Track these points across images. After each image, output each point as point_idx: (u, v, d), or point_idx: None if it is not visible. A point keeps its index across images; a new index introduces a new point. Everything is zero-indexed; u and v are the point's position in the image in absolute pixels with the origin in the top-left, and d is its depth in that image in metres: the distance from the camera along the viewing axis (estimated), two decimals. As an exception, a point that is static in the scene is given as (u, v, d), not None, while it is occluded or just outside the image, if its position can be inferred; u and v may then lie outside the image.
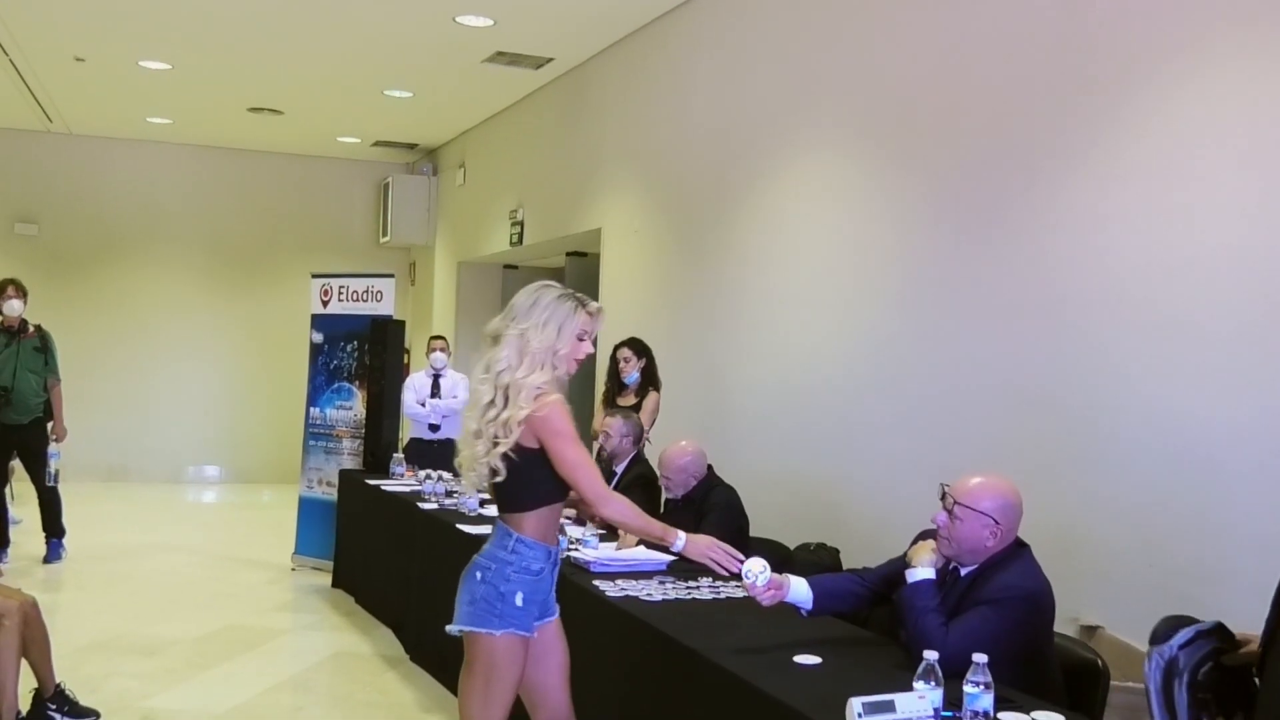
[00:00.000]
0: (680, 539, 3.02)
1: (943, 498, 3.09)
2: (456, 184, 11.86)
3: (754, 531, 5.03)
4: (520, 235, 9.99)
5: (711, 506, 4.76)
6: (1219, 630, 2.52)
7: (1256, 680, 2.43)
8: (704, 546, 3.02)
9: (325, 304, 8.56)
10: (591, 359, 3.34)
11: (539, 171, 9.74)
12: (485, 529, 5.24)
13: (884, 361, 5.39)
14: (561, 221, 9.18)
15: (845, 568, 4.66)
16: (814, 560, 4.49)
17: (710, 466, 5.04)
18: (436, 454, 7.86)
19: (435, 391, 8.45)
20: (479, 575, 3.02)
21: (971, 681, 2.36)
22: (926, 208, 5.16)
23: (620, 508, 3.04)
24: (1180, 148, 3.96)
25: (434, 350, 8.54)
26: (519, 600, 2.98)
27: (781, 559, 4.79)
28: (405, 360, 9.86)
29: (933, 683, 2.40)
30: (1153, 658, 2.28)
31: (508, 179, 10.49)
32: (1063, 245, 4.40)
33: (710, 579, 4.12)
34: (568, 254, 10.10)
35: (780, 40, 6.31)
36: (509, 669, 2.98)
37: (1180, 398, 3.90)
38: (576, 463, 2.99)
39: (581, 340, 3.07)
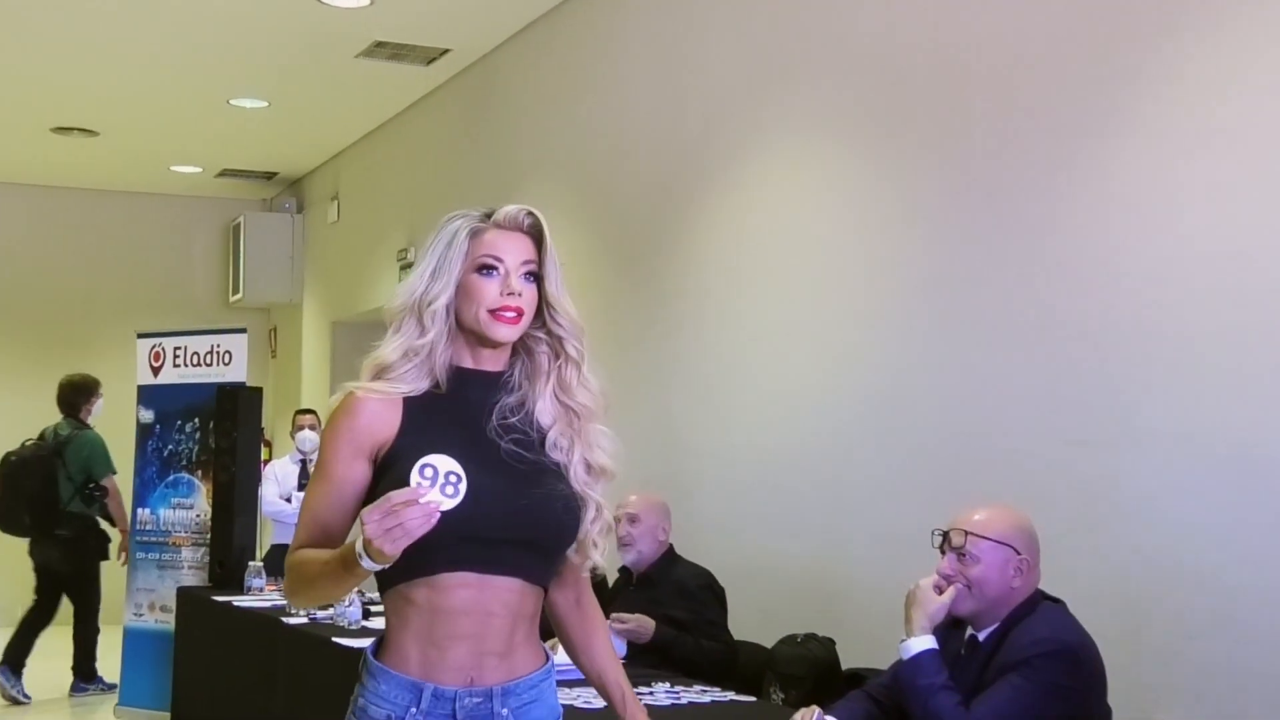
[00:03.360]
0: (358, 547, 2.23)
1: (944, 540, 3.14)
2: (328, 221, 11.91)
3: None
4: (413, 281, 10.02)
5: (691, 595, 4.81)
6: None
7: None
8: (374, 520, 2.18)
9: (156, 371, 8.53)
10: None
11: (434, 198, 9.80)
12: (371, 643, 5.21)
13: (883, 408, 5.44)
14: (466, 259, 9.23)
15: (844, 665, 4.69)
16: (802, 654, 4.51)
17: (671, 546, 5.16)
18: (307, 564, 7.81)
19: (304, 482, 8.42)
20: None
21: None
22: (932, 205, 5.26)
23: (286, 579, 2.48)
24: (1267, 101, 4.06)
25: (301, 428, 8.55)
26: None
27: (761, 663, 4.81)
28: (265, 456, 9.83)
29: None
30: None
31: (394, 211, 10.55)
32: (1114, 237, 4.49)
33: (668, 685, 4.13)
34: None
35: (736, 3, 6.45)
36: None
37: (1273, 425, 3.96)
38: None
39: (484, 272, 2.45)
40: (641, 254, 7.12)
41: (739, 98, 6.41)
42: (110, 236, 13.22)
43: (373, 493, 2.41)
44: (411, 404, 2.46)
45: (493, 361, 2.53)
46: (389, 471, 2.41)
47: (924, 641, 3.20)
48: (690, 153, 6.75)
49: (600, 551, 2.54)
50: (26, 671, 8.94)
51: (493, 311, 2.44)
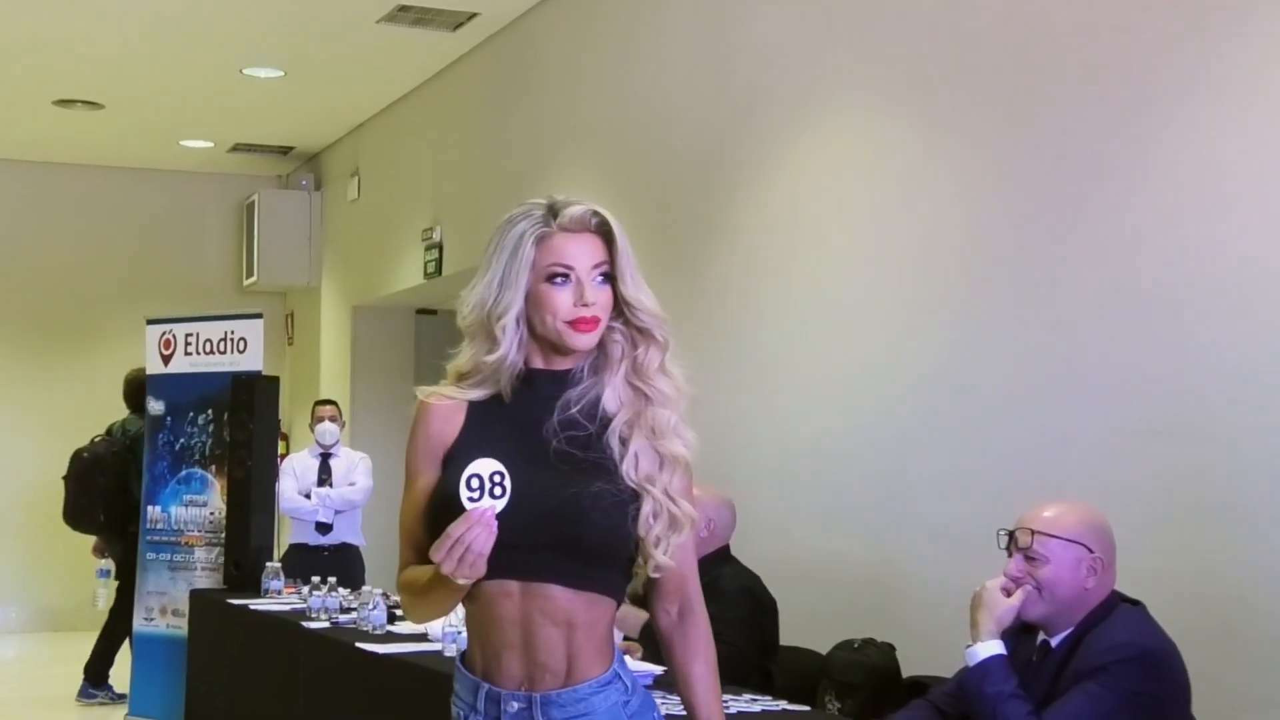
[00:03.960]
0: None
1: (1011, 540, 3.14)
2: (348, 199, 11.95)
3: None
4: (439, 263, 10.06)
5: (721, 596, 4.81)
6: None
7: None
8: (443, 558, 2.36)
9: (167, 360, 8.58)
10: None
11: (462, 173, 9.84)
12: (397, 648, 5.23)
13: (946, 396, 5.43)
14: (495, 238, 9.24)
15: (905, 672, 4.69)
16: (860, 661, 4.51)
17: (728, 546, 5.19)
18: (328, 565, 7.85)
19: (325, 477, 8.46)
20: None
21: None
22: (1001, 176, 5.24)
23: (401, 599, 2.67)
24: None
25: (321, 420, 8.58)
26: None
27: (816, 670, 4.82)
28: (283, 450, 9.86)
29: None
30: None
31: (419, 187, 10.58)
32: (1202, 209, 4.46)
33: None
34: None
35: (788, -36, 6.44)
36: None
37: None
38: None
39: (555, 281, 2.53)
40: (684, 232, 7.12)
41: (789, 63, 6.39)
42: (116, 216, 13.27)
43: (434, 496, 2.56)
44: (475, 407, 2.60)
45: (566, 361, 2.61)
46: (445, 472, 2.56)
47: (991, 647, 3.20)
48: (736, 123, 6.74)
49: (664, 550, 2.54)
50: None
51: (569, 323, 2.53)
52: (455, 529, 2.33)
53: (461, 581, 2.38)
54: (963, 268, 5.40)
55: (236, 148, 12.59)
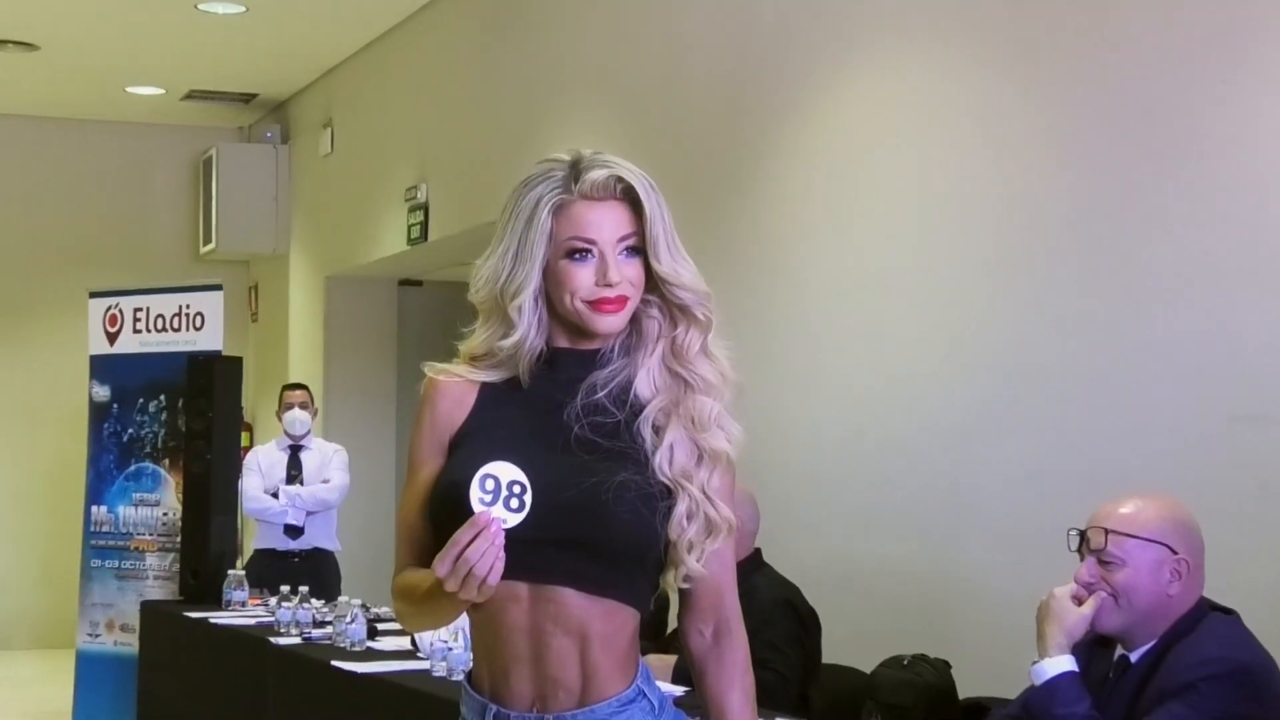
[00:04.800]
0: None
1: (1082, 541, 3.15)
2: (320, 154, 11.94)
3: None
4: (424, 227, 10.06)
5: (757, 610, 4.83)
6: None
7: None
8: (446, 572, 2.34)
9: (113, 338, 8.59)
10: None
11: (451, 123, 9.83)
12: (378, 667, 5.25)
13: (1010, 378, 5.43)
14: (489, 198, 9.22)
15: (962, 693, 4.70)
16: (911, 680, 4.53)
17: (759, 550, 5.22)
18: (299, 573, 7.84)
19: (294, 473, 8.47)
20: None
21: None
22: (1071, 132, 5.24)
23: (395, 605, 2.67)
24: None
25: (290, 407, 8.57)
26: None
27: (859, 690, 4.84)
28: (246, 442, 9.88)
29: None
30: None
31: (400, 140, 10.59)
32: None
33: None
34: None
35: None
36: None
37: None
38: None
39: (575, 257, 2.53)
40: (706, 191, 7.11)
41: (826, 6, 6.38)
42: (54, 174, 13.23)
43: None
44: (488, 388, 2.63)
45: (593, 341, 2.61)
46: (449, 458, 2.59)
47: (1061, 663, 3.21)
48: (767, 64, 6.73)
49: (697, 557, 2.54)
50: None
51: (590, 303, 2.53)
52: (462, 535, 2.32)
53: (464, 597, 2.37)
54: (1028, 233, 5.39)
55: (191, 95, 12.56)
